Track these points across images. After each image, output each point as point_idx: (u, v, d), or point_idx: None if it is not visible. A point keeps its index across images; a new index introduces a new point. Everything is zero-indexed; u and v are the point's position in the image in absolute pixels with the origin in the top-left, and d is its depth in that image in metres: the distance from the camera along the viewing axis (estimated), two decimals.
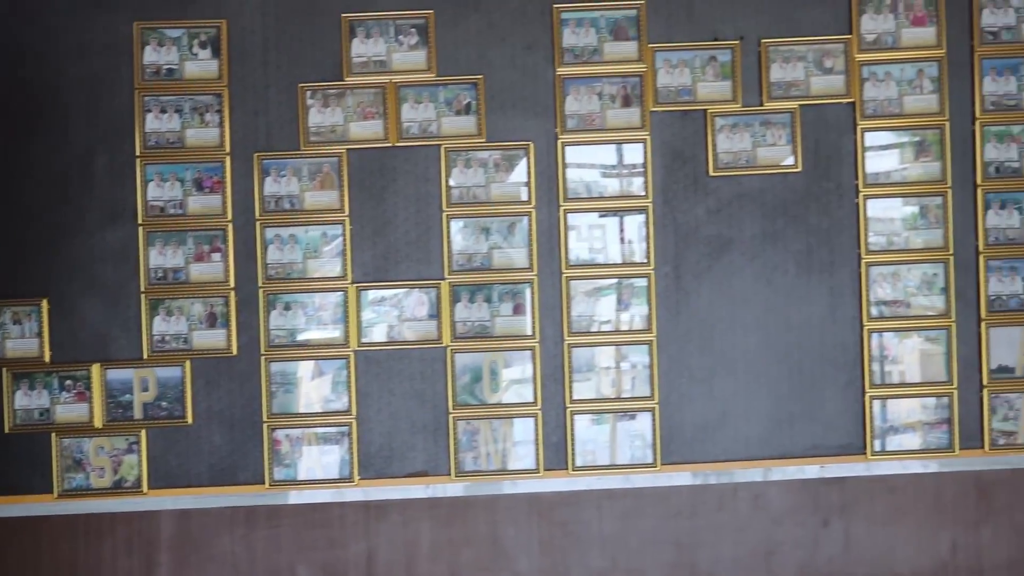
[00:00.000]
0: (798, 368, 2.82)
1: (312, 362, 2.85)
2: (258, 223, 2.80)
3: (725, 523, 2.81)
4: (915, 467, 2.83)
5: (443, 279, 2.80)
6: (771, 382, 2.82)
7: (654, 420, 2.81)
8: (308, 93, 2.83)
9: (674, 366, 2.81)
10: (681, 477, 2.81)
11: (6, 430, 2.83)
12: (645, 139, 2.81)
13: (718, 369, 2.80)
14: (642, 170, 2.82)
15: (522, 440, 2.85)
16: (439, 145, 2.82)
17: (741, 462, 2.80)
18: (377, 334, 3.01)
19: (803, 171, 2.80)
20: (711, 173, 2.79)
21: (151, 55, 2.81)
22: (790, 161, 2.80)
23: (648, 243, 2.80)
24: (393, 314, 2.84)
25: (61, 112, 2.88)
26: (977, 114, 2.79)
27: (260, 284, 3.02)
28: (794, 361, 2.82)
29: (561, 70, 2.81)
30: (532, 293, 2.81)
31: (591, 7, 2.83)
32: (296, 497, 2.97)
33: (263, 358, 3.01)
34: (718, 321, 2.81)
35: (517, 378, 2.89)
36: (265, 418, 2.94)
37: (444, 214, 2.81)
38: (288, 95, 3.02)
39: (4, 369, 2.80)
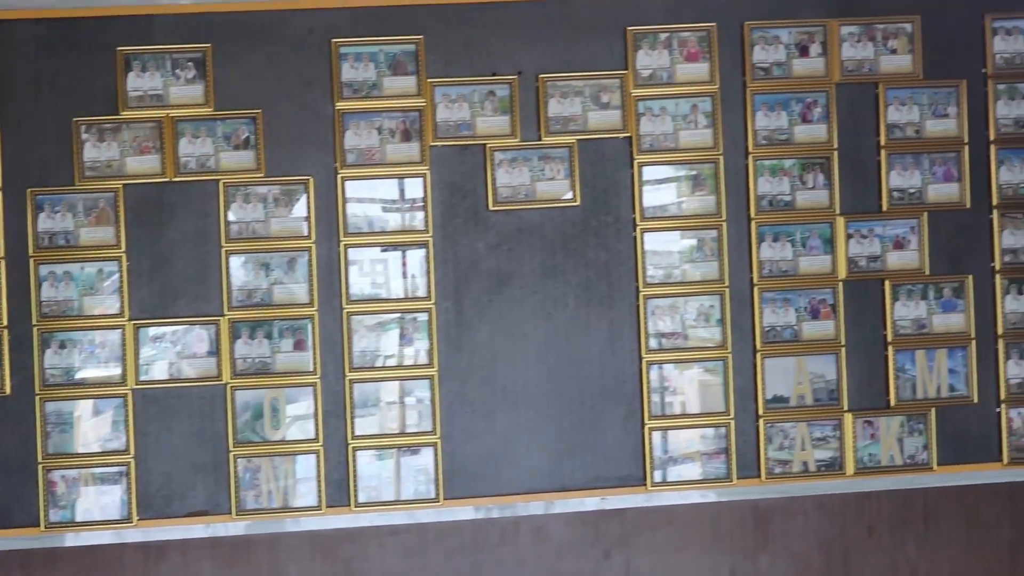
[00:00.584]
0: (579, 401, 3.09)
1: (89, 401, 3.03)
2: (32, 260, 3.01)
3: (507, 557, 3.09)
4: (694, 497, 3.12)
5: (223, 315, 3.02)
6: (552, 415, 3.09)
7: (436, 455, 3.06)
8: (83, 127, 3.05)
9: (456, 400, 3.07)
10: (464, 511, 3.08)
11: None
12: (425, 174, 3.07)
13: (500, 403, 3.07)
14: (423, 204, 3.05)
15: (304, 477, 3.09)
16: (218, 180, 3.04)
17: (523, 495, 3.08)
18: (156, 371, 3.34)
19: (582, 205, 3.08)
20: (491, 207, 3.07)
21: None
22: (569, 195, 3.08)
23: (429, 277, 3.05)
24: (172, 351, 3.07)
25: None
26: (750, 148, 3.09)
27: (34, 322, 3.31)
28: (575, 394, 3.09)
29: (340, 105, 3.06)
30: (313, 328, 3.03)
31: (370, 42, 3.09)
32: (73, 539, 3.29)
33: (38, 398, 3.31)
34: (499, 355, 3.08)
35: (299, 414, 3.10)
36: (40, 459, 3.30)
37: (223, 250, 3.04)
38: (63, 129, 3.32)
39: None
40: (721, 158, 3.33)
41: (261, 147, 3.29)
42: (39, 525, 3.21)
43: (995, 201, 3.39)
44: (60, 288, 3.26)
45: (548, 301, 3.32)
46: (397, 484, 3.31)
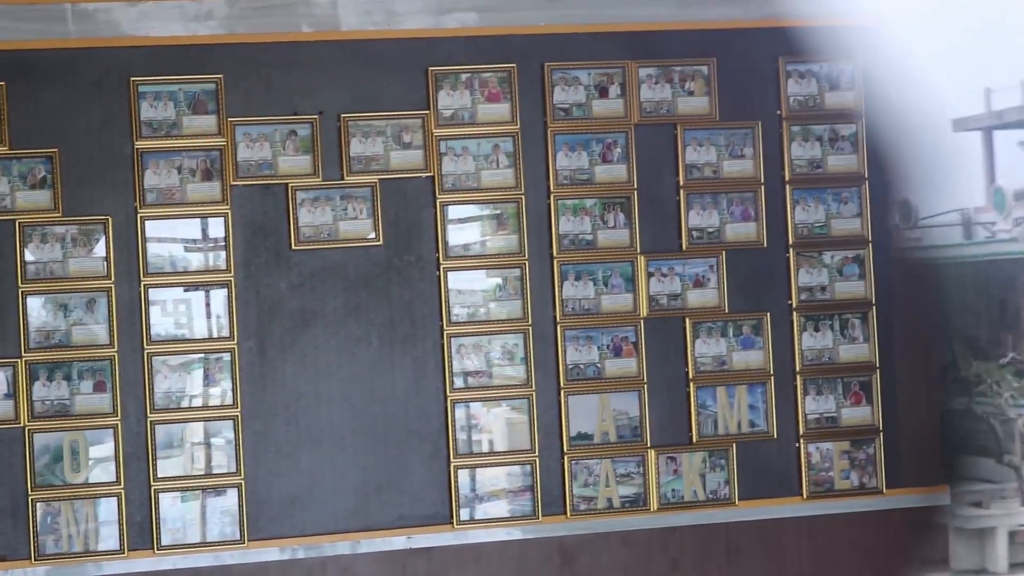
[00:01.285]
0: (384, 440, 3.44)
1: None
2: None
3: None
4: (500, 535, 3.50)
5: (20, 357, 3.28)
6: (358, 454, 3.44)
7: (240, 496, 3.36)
8: None
9: (260, 441, 3.42)
10: (270, 553, 3.44)
11: None
12: (226, 213, 3.39)
13: (305, 442, 3.41)
14: (224, 244, 3.33)
15: (106, 520, 3.40)
16: (14, 220, 3.29)
17: (330, 535, 3.43)
18: None
19: (384, 244, 3.46)
20: (293, 247, 3.39)
21: None
22: (371, 235, 3.41)
23: (232, 317, 3.34)
24: None
25: None
26: (551, 188, 3.42)
27: None
28: (380, 433, 3.45)
29: (140, 143, 3.40)
30: (114, 369, 3.30)
31: (169, 80, 3.37)
32: None
33: None
34: (303, 394, 3.42)
35: (101, 456, 3.36)
36: None
37: (20, 290, 3.30)
38: None
39: None
40: (523, 197, 3.71)
41: (58, 186, 3.62)
42: None
43: (791, 240, 3.75)
44: None
45: (351, 340, 3.67)
46: (203, 526, 3.61)
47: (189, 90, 3.89)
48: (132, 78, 3.83)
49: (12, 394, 3.79)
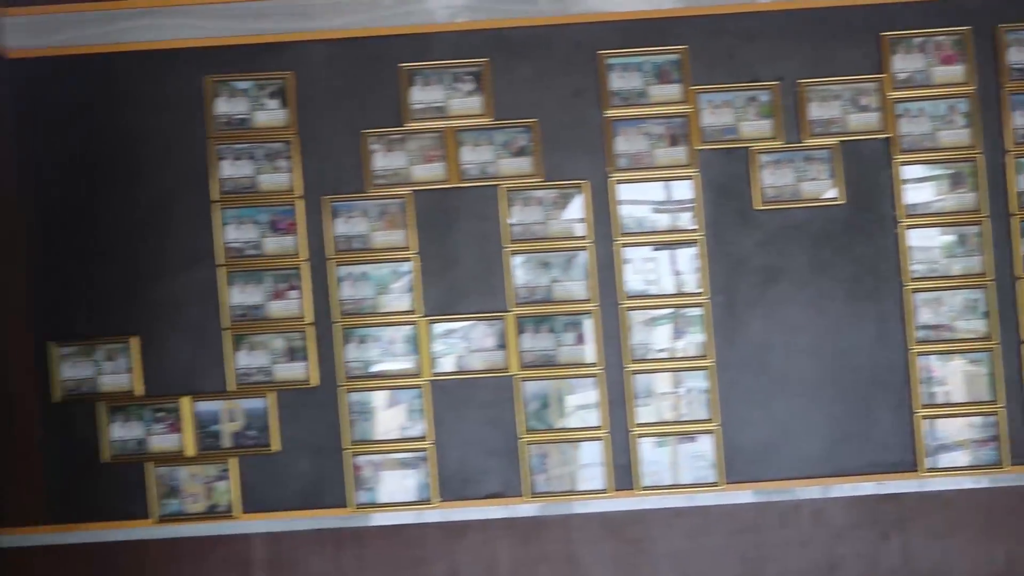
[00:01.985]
0: (851, 390, 3.64)
1: (387, 392, 3.59)
2: (330, 261, 3.59)
3: (789, 538, 3.60)
4: (967, 483, 3.65)
5: (508, 311, 3.55)
6: (826, 404, 3.65)
7: (716, 442, 3.55)
8: (372, 139, 3.62)
9: (732, 390, 3.65)
10: (744, 495, 3.62)
11: (105, 460, 3.57)
12: (693, 176, 3.57)
13: (775, 392, 3.62)
14: (691, 205, 3.61)
15: (590, 462, 3.62)
16: (498, 185, 3.57)
17: (801, 480, 3.61)
18: (448, 364, 4.13)
19: (845, 203, 3.56)
20: (757, 206, 3.56)
21: (222, 106, 3.64)
22: (832, 194, 3.56)
23: (702, 274, 3.53)
24: (462, 345, 3.61)
25: (141, 161, 4.10)
26: (1008, 147, 3.55)
27: (335, 319, 4.12)
28: (847, 383, 3.64)
29: (609, 112, 3.62)
30: (593, 323, 3.55)
31: (636, 53, 3.66)
32: (380, 519, 4.06)
33: (341, 389, 4.09)
34: (773, 346, 3.64)
35: (582, 404, 3.60)
36: (347, 445, 4.08)
37: (506, 250, 3.55)
38: (352, 141, 4.13)
39: (100, 403, 3.57)
40: (980, 156, 3.81)
41: (538, 154, 3.86)
42: (348, 506, 3.75)
43: None
44: (358, 287, 3.89)
45: (817, 295, 3.87)
46: (677, 469, 3.79)
47: (655, 61, 4.21)
48: (600, 52, 4.16)
49: (503, 345, 4.11)
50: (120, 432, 4.04)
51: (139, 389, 4.02)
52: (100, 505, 4.05)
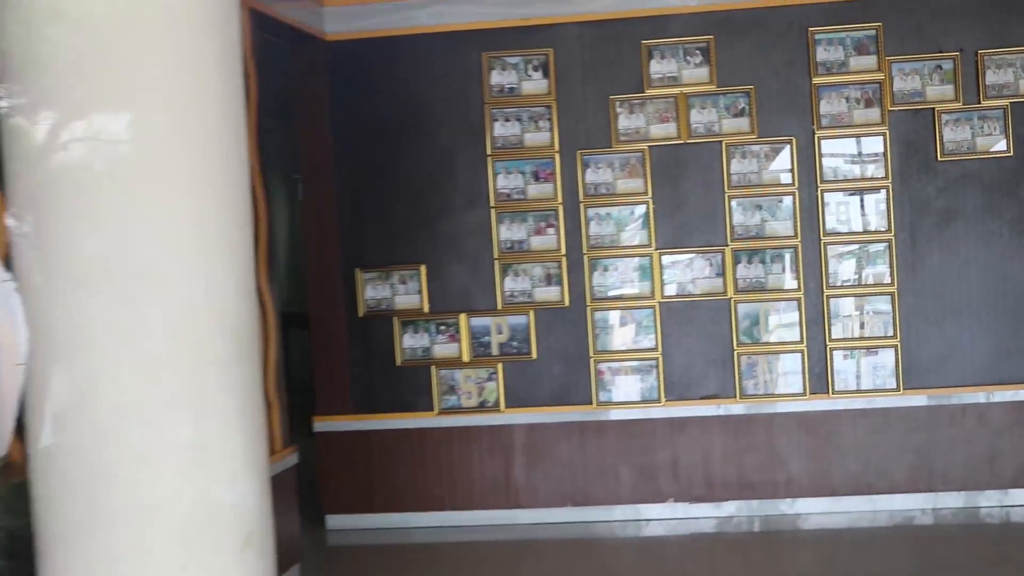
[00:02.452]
0: (1012, 313, 4.47)
1: (625, 311, 4.49)
2: (581, 204, 4.56)
3: (955, 436, 4.50)
4: None
5: (726, 246, 4.42)
6: (991, 324, 4.52)
7: (896, 354, 4.38)
8: (617, 103, 4.51)
9: (911, 312, 4.54)
10: (919, 399, 4.47)
11: (398, 364, 4.58)
12: (884, 133, 4.39)
13: (948, 314, 4.48)
14: (880, 158, 4.40)
15: (790, 371, 4.48)
16: (721, 141, 4.45)
17: (968, 387, 4.49)
18: (674, 289, 4.72)
19: (1013, 155, 4.36)
20: (939, 159, 4.37)
21: (496, 77, 4.62)
22: (1002, 147, 4.36)
23: (888, 215, 4.36)
24: (687, 273, 4.48)
25: (428, 123, 5.17)
26: None
27: (584, 251, 4.66)
28: (1009, 306, 4.55)
29: (816, 79, 4.44)
30: (796, 256, 4.40)
31: (839, 29, 4.44)
32: (616, 415, 4.73)
33: (588, 308, 4.63)
34: (947, 276, 4.49)
35: (785, 322, 4.46)
36: (591, 354, 4.60)
37: (726, 195, 4.44)
38: (601, 105, 4.71)
39: (396, 318, 4.59)
40: None
41: (754, 115, 4.74)
42: (591, 403, 4.73)
43: None
44: (602, 226, 4.81)
45: (987, 233, 4.74)
46: (861, 377, 4.65)
47: (855, 36, 4.99)
48: (810, 28, 5.00)
49: (721, 273, 5.01)
50: (410, 342, 5.15)
51: (426, 307, 5.11)
52: (393, 400, 5.17)
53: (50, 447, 2.76)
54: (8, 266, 2.49)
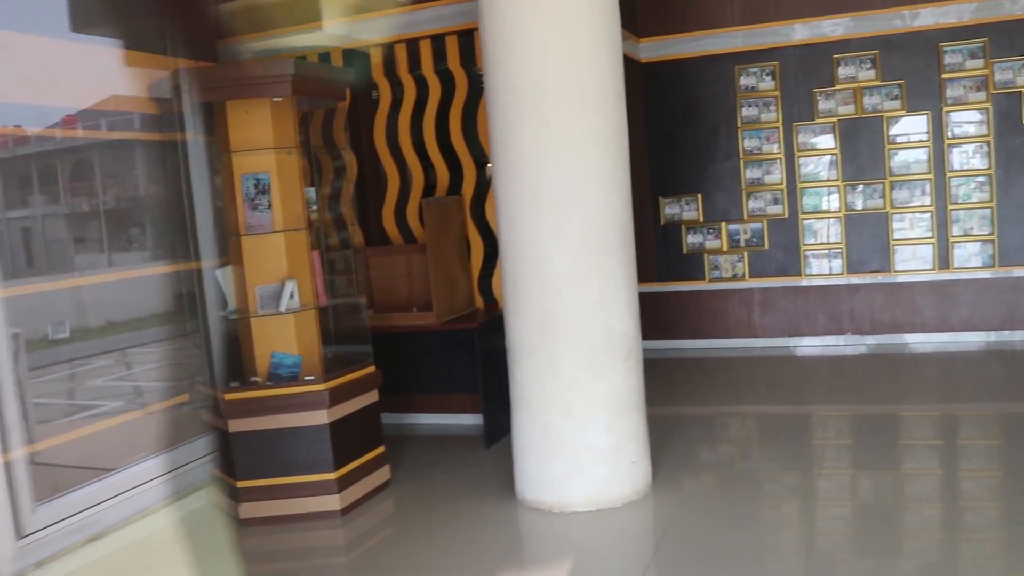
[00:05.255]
0: None
1: (821, 219, 7.88)
2: (795, 155, 7.93)
3: None
4: None
5: (885, 179, 7.83)
6: None
7: (993, 245, 7.59)
8: (817, 93, 8.02)
9: (1003, 219, 7.91)
10: (1009, 273, 7.66)
11: (684, 252, 8.32)
12: (988, 107, 7.74)
13: None
14: (985, 123, 7.73)
15: (925, 256, 7.81)
16: (882, 115, 7.96)
17: None
18: (853, 206, 7.91)
19: None
20: (1023, 123, 7.51)
21: (743, 80, 8.69)
22: None
23: (990, 159, 7.80)
24: (861, 197, 7.83)
25: (702, 110, 8.84)
26: None
27: (797, 184, 8.37)
28: None
29: (943, 76, 7.69)
30: (931, 185, 7.69)
31: (959, 43, 7.60)
32: (816, 281, 8.26)
33: (799, 218, 8.18)
34: None
35: (921, 225, 7.74)
36: (800, 245, 8.04)
37: (886, 148, 7.80)
38: (807, 95, 8.40)
39: (683, 225, 8.27)
40: None
41: (904, 98, 8.07)
42: (800, 275, 8.15)
43: None
44: (808, 168, 8.11)
45: None
46: (969, 258, 7.81)
47: (969, 47, 8.05)
48: (939, 43, 8.08)
49: (883, 196, 8.30)
50: (691, 239, 8.74)
51: (701, 218, 8.70)
52: (681, 273, 8.84)
53: (515, 298, 4.58)
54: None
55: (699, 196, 8.74)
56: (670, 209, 8.86)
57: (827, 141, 8.38)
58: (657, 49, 8.73)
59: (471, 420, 6.44)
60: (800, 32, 8.28)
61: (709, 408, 6.68)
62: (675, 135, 8.76)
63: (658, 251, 8.89)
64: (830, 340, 8.52)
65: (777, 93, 8.46)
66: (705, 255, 8.76)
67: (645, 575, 3.78)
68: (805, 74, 8.39)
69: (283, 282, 4.94)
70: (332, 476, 4.81)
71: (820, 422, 6.20)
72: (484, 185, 6.42)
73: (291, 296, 4.91)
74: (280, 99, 4.85)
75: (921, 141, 8.17)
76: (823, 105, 8.37)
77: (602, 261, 4.48)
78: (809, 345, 8.55)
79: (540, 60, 4.38)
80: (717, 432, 6.12)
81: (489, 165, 6.36)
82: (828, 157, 8.37)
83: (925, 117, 8.13)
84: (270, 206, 4.89)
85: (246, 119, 4.88)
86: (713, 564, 3.84)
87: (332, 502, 4.82)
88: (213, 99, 4.88)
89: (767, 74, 8.51)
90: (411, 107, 6.65)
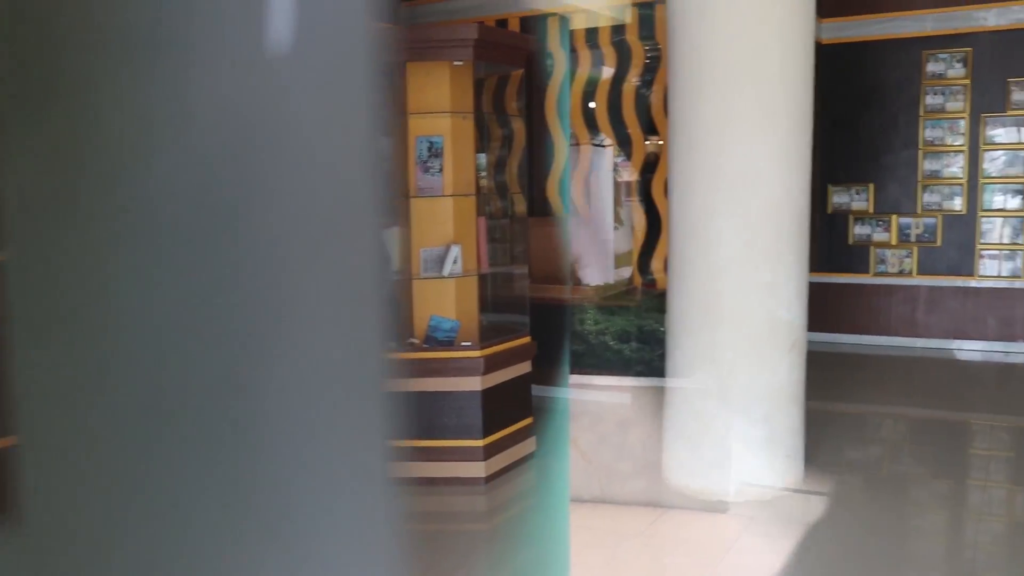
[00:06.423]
0: None
1: (1004, 218, 7.53)
2: (981, 150, 7.57)
3: None
4: None
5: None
6: None
7: None
8: (1012, 83, 7.52)
9: None
10: None
11: (849, 243, 7.98)
12: None
13: None
14: None
15: None
16: None
17: None
18: None
19: None
20: None
21: (931, 67, 8.34)
22: None
23: None
24: None
25: (881, 95, 8.59)
26: None
27: (980, 179, 7.91)
28: None
29: None
30: None
31: None
32: (989, 283, 7.90)
33: (978, 215, 7.75)
34: None
35: None
36: (976, 244, 7.69)
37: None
38: (1001, 85, 7.93)
39: (851, 215, 7.95)
40: None
41: None
42: (973, 275, 7.81)
43: None
44: (994, 164, 7.76)
45: None
46: None
47: None
48: None
49: None
50: (859, 230, 8.50)
51: (871, 209, 8.43)
52: (846, 265, 8.59)
53: (680, 277, 4.59)
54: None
55: (871, 186, 8.47)
56: (838, 198, 8.62)
57: (1014, 135, 8.02)
58: (839, 30, 8.44)
59: (619, 398, 6.43)
60: (996, 17, 7.90)
61: (864, 406, 6.51)
62: (850, 120, 8.48)
63: (821, 240, 8.61)
64: (998, 346, 8.15)
65: (967, 81, 8.10)
66: (872, 247, 8.51)
67: (783, 574, 3.75)
68: (1000, 62, 8.01)
69: (448, 246, 4.98)
70: (480, 443, 4.86)
71: (980, 431, 5.98)
72: (652, 160, 6.41)
73: (455, 261, 4.97)
74: (461, 63, 4.88)
75: None
76: (1017, 96, 8.00)
77: (777, 245, 4.42)
78: (973, 349, 8.21)
79: (730, 34, 4.33)
80: (870, 432, 5.99)
81: (649, 139, 6.46)
82: (1019, 153, 8.02)
83: None
84: (441, 170, 4.94)
85: (425, 81, 4.94)
86: (853, 571, 3.76)
87: (477, 468, 4.87)
88: (394, 61, 4.93)
89: (957, 60, 8.15)
90: (584, 78, 6.71)
